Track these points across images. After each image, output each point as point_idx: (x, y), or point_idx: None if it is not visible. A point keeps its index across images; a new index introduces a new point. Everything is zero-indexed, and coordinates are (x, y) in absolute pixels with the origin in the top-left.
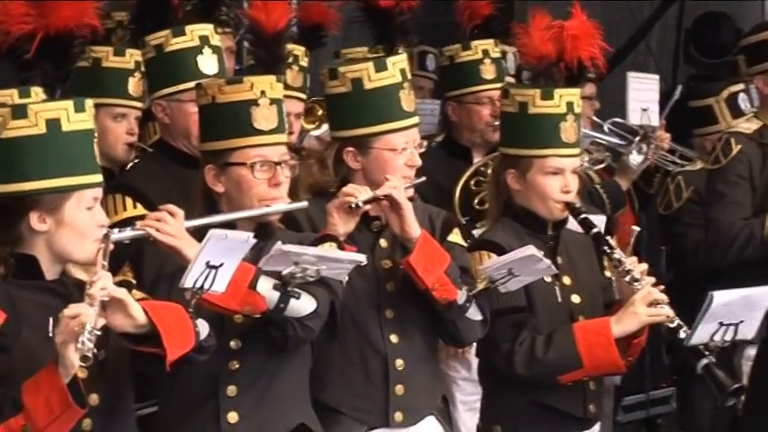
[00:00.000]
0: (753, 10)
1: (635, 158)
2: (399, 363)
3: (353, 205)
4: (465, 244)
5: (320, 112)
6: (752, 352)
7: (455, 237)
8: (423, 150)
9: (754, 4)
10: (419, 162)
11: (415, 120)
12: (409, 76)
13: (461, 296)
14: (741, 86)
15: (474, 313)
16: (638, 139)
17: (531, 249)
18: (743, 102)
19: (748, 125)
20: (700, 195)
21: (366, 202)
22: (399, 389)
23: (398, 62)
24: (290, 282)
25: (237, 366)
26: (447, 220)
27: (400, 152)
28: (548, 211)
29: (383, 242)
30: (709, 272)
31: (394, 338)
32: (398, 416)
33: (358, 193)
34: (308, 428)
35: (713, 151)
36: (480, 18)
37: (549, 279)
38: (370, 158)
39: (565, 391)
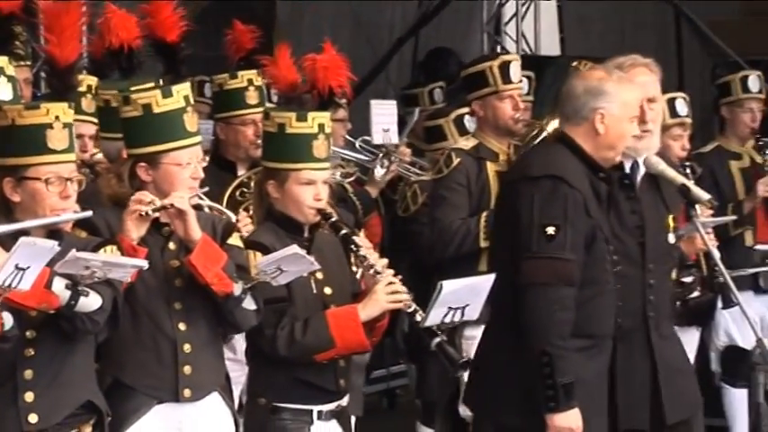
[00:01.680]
0: (473, 45)
1: (379, 171)
2: (187, 347)
3: (143, 213)
4: (242, 245)
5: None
6: (468, 332)
7: (234, 240)
8: (204, 165)
9: (474, 41)
10: (202, 175)
11: (198, 139)
12: (192, 101)
13: (237, 289)
14: (467, 109)
15: (249, 304)
16: (381, 155)
17: (295, 248)
18: (468, 122)
19: (467, 143)
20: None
21: (155, 211)
22: (187, 369)
23: (182, 90)
24: (81, 282)
25: (33, 353)
26: (227, 226)
27: (185, 166)
28: (303, 216)
29: (172, 245)
30: (439, 264)
31: (182, 326)
32: (187, 392)
33: (145, 199)
34: (94, 404)
35: (437, 163)
36: (245, 51)
37: (305, 274)
38: (159, 172)
39: (319, 368)
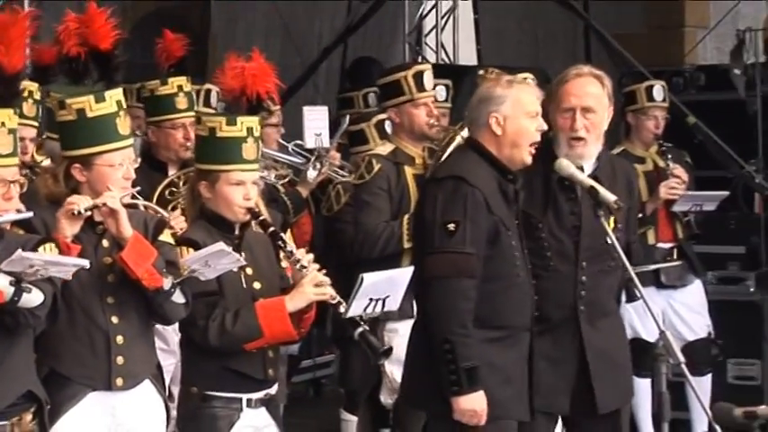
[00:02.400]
0: (396, 55)
1: (311, 173)
2: (119, 339)
3: (77, 212)
4: (173, 242)
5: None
6: (390, 326)
7: (165, 236)
8: (136, 166)
9: (397, 51)
10: (133, 175)
11: (130, 141)
12: (125, 105)
13: (167, 284)
14: (387, 115)
15: (178, 297)
16: (313, 158)
17: (221, 245)
18: (388, 127)
19: (384, 148)
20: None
21: (87, 209)
22: (120, 360)
23: (115, 95)
24: (24, 279)
25: None
26: (159, 224)
27: (117, 167)
28: (233, 214)
29: (105, 242)
30: (363, 263)
31: (115, 319)
32: (119, 381)
33: (80, 201)
34: (34, 393)
35: (358, 169)
36: (175, 59)
37: (236, 269)
38: (93, 173)
39: (248, 358)
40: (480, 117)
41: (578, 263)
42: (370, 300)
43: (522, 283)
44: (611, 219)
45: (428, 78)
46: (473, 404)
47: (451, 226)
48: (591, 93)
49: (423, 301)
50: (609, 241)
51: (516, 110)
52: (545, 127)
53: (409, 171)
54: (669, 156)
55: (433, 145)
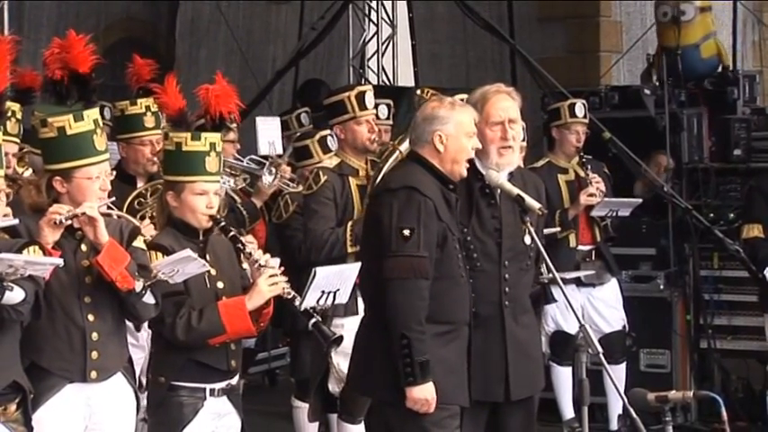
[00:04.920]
0: (342, 77)
1: (267, 179)
2: (95, 335)
3: (58, 221)
4: (145, 248)
5: (27, 160)
6: (337, 321)
7: (138, 242)
8: (112, 178)
9: (342, 73)
10: (109, 187)
11: (106, 156)
12: (101, 123)
13: (138, 286)
14: (328, 132)
15: (149, 298)
16: (268, 163)
17: (188, 252)
18: (330, 142)
19: (331, 161)
20: (301, 208)
21: (68, 218)
22: (95, 354)
23: (92, 114)
24: (5, 278)
25: None
26: (133, 231)
27: (95, 180)
28: (197, 221)
29: (83, 247)
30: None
31: (91, 318)
32: (93, 374)
33: (61, 210)
34: (19, 384)
35: (307, 180)
36: (144, 82)
37: (198, 273)
38: (72, 185)
39: (213, 351)
40: (424, 134)
41: (501, 262)
42: (323, 292)
43: (463, 282)
44: (528, 222)
45: (369, 98)
46: (425, 394)
47: (407, 231)
48: (512, 106)
49: (381, 299)
50: (527, 242)
51: (458, 130)
52: (479, 146)
53: (354, 182)
54: (589, 166)
55: (375, 158)
